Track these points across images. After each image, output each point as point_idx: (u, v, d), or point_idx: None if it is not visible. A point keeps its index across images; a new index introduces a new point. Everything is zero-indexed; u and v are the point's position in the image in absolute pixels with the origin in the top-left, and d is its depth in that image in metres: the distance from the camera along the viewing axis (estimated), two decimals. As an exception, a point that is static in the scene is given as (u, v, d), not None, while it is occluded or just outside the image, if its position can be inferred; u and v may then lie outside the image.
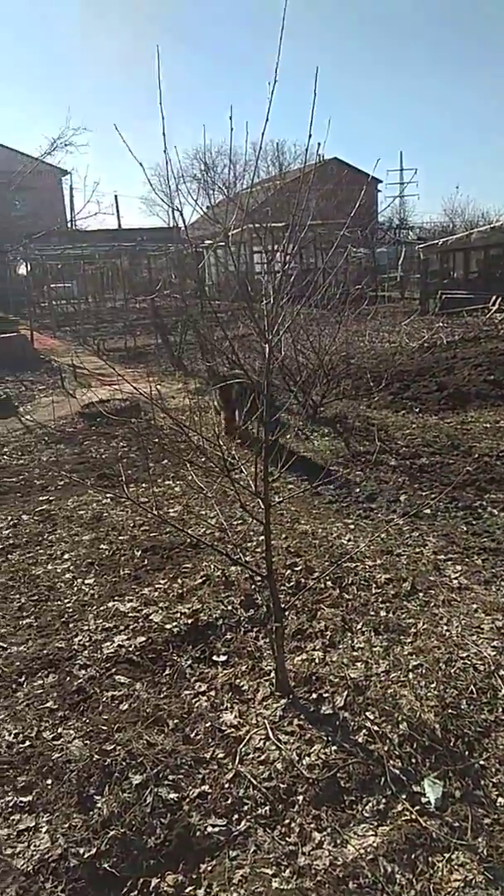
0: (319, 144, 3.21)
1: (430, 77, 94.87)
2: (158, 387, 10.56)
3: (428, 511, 5.32)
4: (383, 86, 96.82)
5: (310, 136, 2.72)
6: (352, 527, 5.11)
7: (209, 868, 2.42)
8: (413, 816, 2.58)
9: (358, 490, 5.94)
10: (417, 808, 2.62)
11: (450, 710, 3.04)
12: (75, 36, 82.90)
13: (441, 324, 15.92)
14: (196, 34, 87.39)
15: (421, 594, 4.03)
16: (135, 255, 27.55)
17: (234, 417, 7.33)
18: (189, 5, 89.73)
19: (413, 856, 2.42)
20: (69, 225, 30.22)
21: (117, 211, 31.98)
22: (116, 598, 4.21)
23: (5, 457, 7.67)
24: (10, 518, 5.67)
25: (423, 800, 2.66)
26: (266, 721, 3.04)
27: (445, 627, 3.66)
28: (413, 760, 2.83)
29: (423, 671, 3.30)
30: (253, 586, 4.13)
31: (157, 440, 7.73)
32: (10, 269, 26.47)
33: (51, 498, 6.15)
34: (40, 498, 6.17)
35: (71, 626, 3.95)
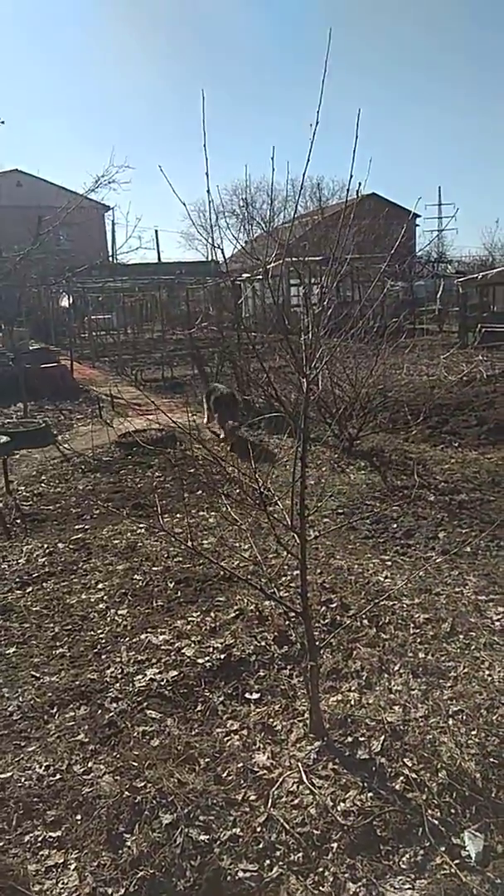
0: (360, 184, 3.25)
1: (470, 114, 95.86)
2: (194, 417, 10.66)
3: (468, 549, 5.20)
4: (423, 122, 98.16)
5: (351, 176, 2.75)
6: (388, 563, 5.02)
7: (239, 917, 2.35)
8: (453, 870, 2.47)
9: (395, 526, 5.85)
10: (457, 861, 2.51)
11: (492, 759, 2.93)
12: (118, 76, 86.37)
13: (481, 357, 15.76)
14: (235, 78, 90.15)
15: (461, 636, 3.92)
16: (173, 288, 28.10)
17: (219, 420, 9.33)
18: (225, 52, 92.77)
19: (453, 914, 2.31)
20: (111, 259, 31.04)
21: (157, 245, 32.79)
22: (149, 629, 4.19)
23: (43, 485, 7.79)
24: (46, 546, 5.73)
25: (464, 853, 2.55)
26: (300, 763, 2.96)
27: (487, 672, 3.54)
28: (453, 811, 2.72)
29: (464, 717, 3.19)
30: (287, 622, 4.07)
31: (192, 471, 7.77)
32: (53, 301, 27.18)
33: (86, 527, 6.20)
34: (76, 526, 6.22)
35: (103, 657, 3.93)
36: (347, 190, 3.07)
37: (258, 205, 37.79)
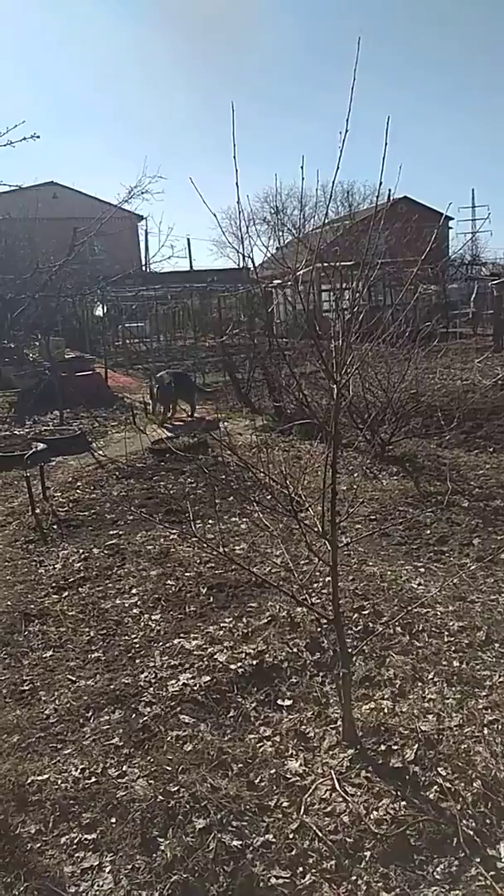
0: (390, 190, 3.25)
1: (500, 117, 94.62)
2: (226, 423, 10.71)
3: None
4: (455, 126, 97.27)
5: (381, 182, 2.76)
6: (422, 570, 4.97)
7: (272, 923, 2.35)
8: (488, 882, 2.43)
9: (428, 532, 5.80)
10: (492, 873, 2.47)
11: (528, 770, 2.88)
12: (149, 88, 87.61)
13: (515, 361, 15.50)
14: (263, 85, 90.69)
15: (497, 645, 3.86)
16: (205, 295, 28.30)
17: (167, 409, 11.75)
18: (254, 61, 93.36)
19: (488, 927, 2.28)
20: (144, 268, 31.43)
21: (189, 253, 33.06)
22: (182, 634, 4.22)
23: (78, 491, 7.91)
24: (81, 551, 5.82)
25: (499, 865, 2.51)
26: (332, 771, 2.95)
27: (522, 680, 3.48)
28: (488, 822, 2.68)
29: (499, 727, 3.14)
30: (319, 629, 4.07)
31: (223, 477, 7.80)
32: (87, 310, 27.63)
33: (120, 532, 6.28)
34: (110, 532, 6.31)
35: (137, 661, 3.98)
36: (377, 195, 3.08)
37: (289, 211, 37.92)
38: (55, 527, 6.59)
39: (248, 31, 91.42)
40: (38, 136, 8.86)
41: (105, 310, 25.94)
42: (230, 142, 2.99)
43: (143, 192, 15.81)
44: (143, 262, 33.80)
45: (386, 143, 2.80)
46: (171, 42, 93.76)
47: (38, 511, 7.00)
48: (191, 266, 37.00)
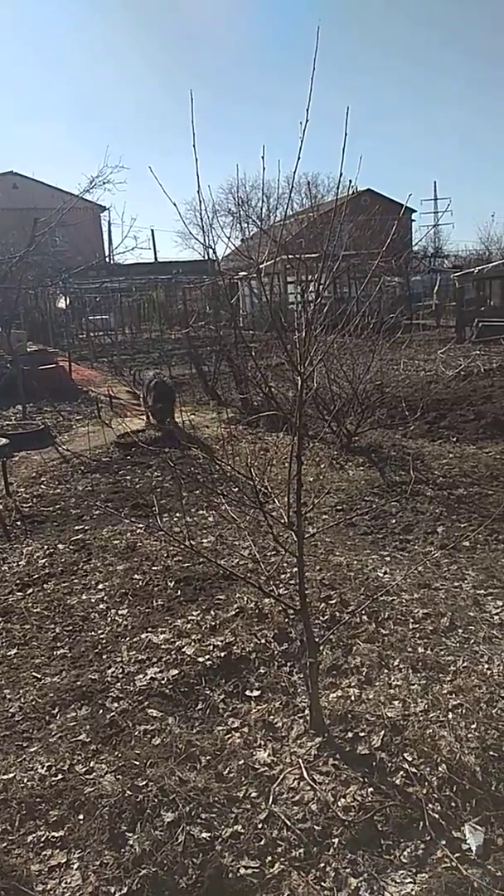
0: (351, 181, 3.25)
1: (462, 107, 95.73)
2: (192, 416, 10.66)
3: (467, 543, 5.21)
4: (416, 116, 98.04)
5: (341, 173, 2.76)
6: (388, 559, 5.03)
7: (242, 913, 2.36)
8: (453, 864, 2.48)
9: (394, 521, 5.86)
10: (458, 855, 2.52)
11: (491, 753, 2.94)
12: (108, 75, 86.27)
13: (478, 352, 15.77)
14: (225, 73, 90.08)
15: (460, 630, 3.93)
16: (170, 287, 28.10)
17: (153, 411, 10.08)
18: (212, 52, 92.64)
19: (454, 907, 2.32)
20: (107, 259, 31.02)
21: (153, 245, 32.76)
22: (149, 629, 4.20)
23: (42, 486, 7.79)
24: (46, 547, 5.74)
25: (464, 847, 2.56)
26: (300, 760, 2.97)
27: (486, 666, 3.55)
28: (453, 805, 2.73)
29: (464, 711, 3.20)
30: (286, 620, 4.08)
31: (190, 470, 7.77)
32: (50, 302, 27.18)
33: (86, 527, 6.21)
34: (76, 527, 6.23)
35: (104, 657, 3.95)
36: (338, 186, 3.08)
37: (253, 203, 37.80)
38: (18, 523, 6.49)
39: (210, 17, 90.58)
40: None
41: (68, 302, 25.55)
42: (191, 130, 2.95)
43: (104, 182, 15.54)
44: (107, 254, 33.35)
45: (346, 134, 2.79)
46: (129, 28, 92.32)
47: (0, 507, 6.88)
48: (155, 258, 36.66)
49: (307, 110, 2.80)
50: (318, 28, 2.73)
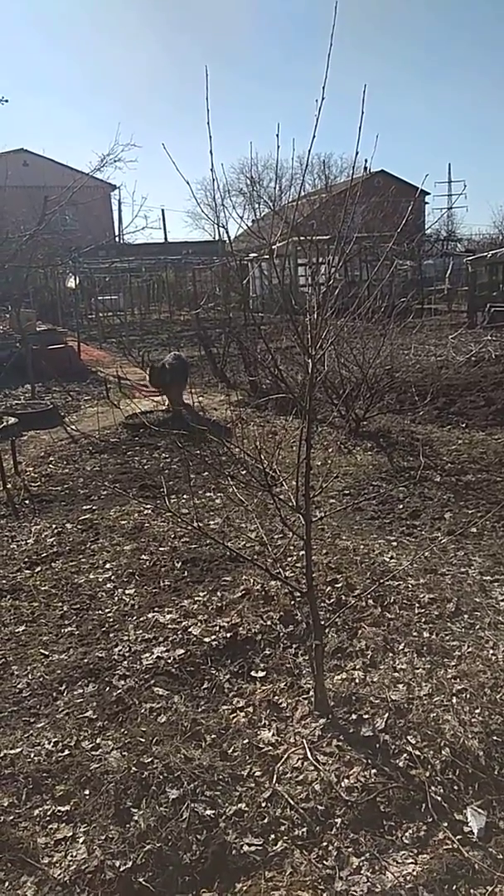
0: (366, 160, 3.20)
1: (480, 93, 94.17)
2: (201, 398, 10.64)
3: (474, 530, 5.20)
4: (433, 100, 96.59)
5: (356, 153, 2.72)
6: (394, 544, 5.03)
7: (244, 888, 2.40)
8: (455, 846, 2.50)
9: (401, 506, 5.85)
10: (459, 837, 2.54)
11: (494, 738, 2.95)
12: (121, 52, 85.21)
13: (489, 337, 15.62)
14: (239, 51, 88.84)
15: (466, 616, 3.93)
16: (180, 268, 27.93)
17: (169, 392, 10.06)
18: (228, 26, 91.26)
19: (454, 887, 2.35)
20: (117, 239, 30.86)
21: (164, 225, 32.53)
22: (156, 609, 4.23)
23: (51, 466, 7.82)
24: (54, 526, 5.77)
25: (466, 829, 2.58)
26: (304, 740, 3.00)
27: (491, 651, 3.56)
28: (455, 788, 2.75)
29: (468, 696, 3.21)
30: (292, 602, 4.10)
31: (198, 452, 7.77)
32: (59, 282, 27.09)
33: (94, 507, 6.24)
34: (84, 507, 6.26)
35: (111, 635, 3.98)
36: (353, 167, 3.03)
37: (265, 183, 37.43)
38: (27, 502, 6.52)
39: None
40: (7, 101, 8.57)
41: (77, 281, 25.45)
42: (205, 108, 2.91)
43: (115, 161, 15.39)
44: (117, 233, 33.17)
45: (363, 112, 2.74)
46: (140, 4, 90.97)
47: (9, 486, 6.92)
48: (165, 238, 36.46)
49: (323, 88, 2.76)
50: (336, 3, 2.67)
